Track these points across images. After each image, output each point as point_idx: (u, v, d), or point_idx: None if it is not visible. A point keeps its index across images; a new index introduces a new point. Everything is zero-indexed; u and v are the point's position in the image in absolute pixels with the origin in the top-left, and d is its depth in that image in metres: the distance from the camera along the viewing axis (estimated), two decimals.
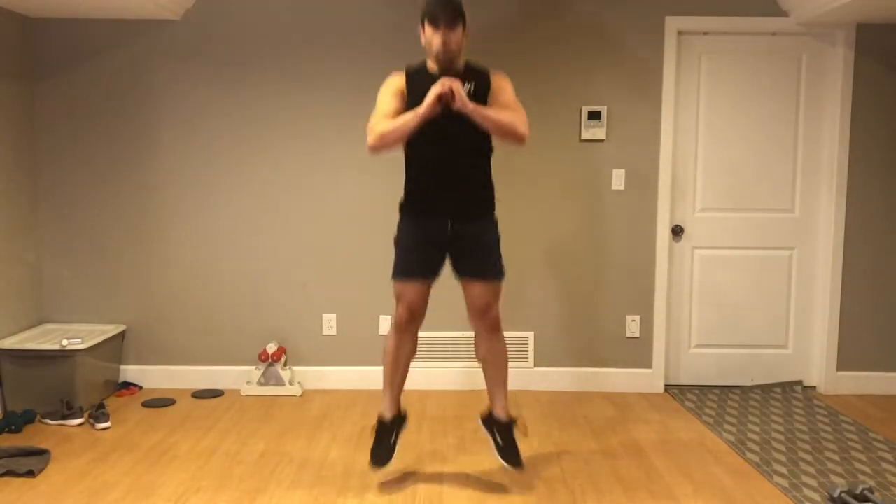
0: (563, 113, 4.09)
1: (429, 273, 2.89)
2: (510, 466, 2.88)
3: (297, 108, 4.10)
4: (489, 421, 3.00)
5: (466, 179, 2.85)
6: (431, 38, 2.71)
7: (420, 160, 2.84)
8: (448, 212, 2.82)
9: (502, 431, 2.93)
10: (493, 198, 2.94)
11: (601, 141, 4.10)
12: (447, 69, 2.73)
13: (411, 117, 2.60)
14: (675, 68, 4.07)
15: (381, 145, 2.65)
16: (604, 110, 4.07)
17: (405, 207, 2.91)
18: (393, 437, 2.95)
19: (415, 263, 2.86)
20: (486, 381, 3.00)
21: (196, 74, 4.08)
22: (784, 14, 4.02)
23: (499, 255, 2.94)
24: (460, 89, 2.56)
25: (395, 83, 2.78)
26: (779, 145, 4.15)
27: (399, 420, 3.01)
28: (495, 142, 2.89)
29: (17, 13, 3.92)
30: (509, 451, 2.89)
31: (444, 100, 2.56)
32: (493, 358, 2.97)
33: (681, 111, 4.14)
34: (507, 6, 4.04)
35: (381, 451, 2.90)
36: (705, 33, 4.10)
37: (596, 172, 4.12)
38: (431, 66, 2.80)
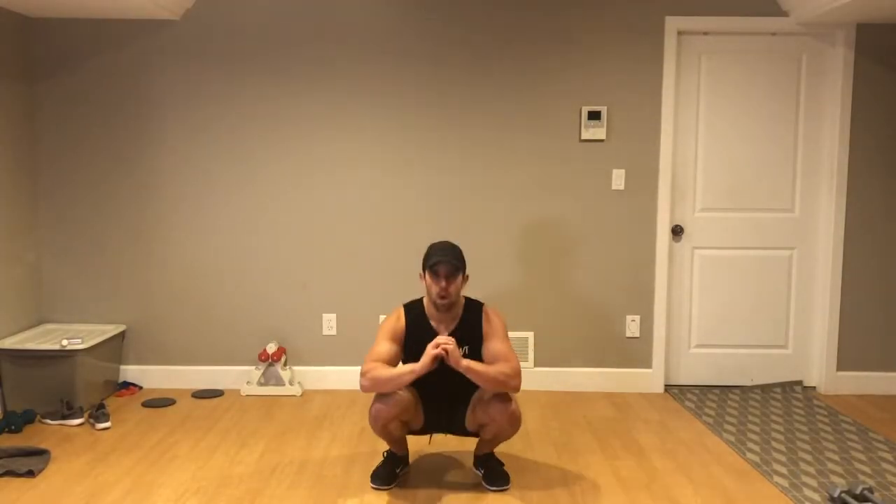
0: (563, 113, 4.09)
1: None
2: (498, 488, 2.93)
3: (296, 107, 4.10)
4: (475, 461, 3.08)
5: (456, 406, 2.96)
6: (431, 285, 2.87)
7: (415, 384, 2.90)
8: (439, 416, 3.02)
9: (486, 461, 3.01)
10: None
11: (601, 141, 4.10)
12: (445, 313, 2.92)
13: (407, 372, 2.73)
14: (675, 68, 4.07)
15: (376, 390, 2.78)
16: (604, 110, 4.07)
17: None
18: (399, 469, 3.01)
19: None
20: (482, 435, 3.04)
21: (196, 74, 4.08)
22: (784, 14, 4.02)
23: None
24: (455, 350, 2.70)
25: (395, 326, 2.92)
26: (779, 145, 4.15)
27: (405, 459, 3.07)
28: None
29: (17, 13, 3.92)
30: (496, 475, 2.96)
31: (439, 358, 2.72)
32: (500, 435, 3.00)
33: (681, 111, 4.14)
34: (508, 6, 4.03)
35: (384, 474, 2.95)
36: (705, 33, 4.10)
37: (596, 172, 4.12)
38: (430, 308, 2.94)
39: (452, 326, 2.92)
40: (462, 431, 2.99)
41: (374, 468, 3.00)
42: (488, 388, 2.80)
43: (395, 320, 2.94)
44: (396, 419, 2.82)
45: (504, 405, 2.80)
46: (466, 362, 2.71)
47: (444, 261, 2.83)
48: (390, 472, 2.96)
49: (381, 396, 2.79)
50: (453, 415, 2.96)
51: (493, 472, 2.96)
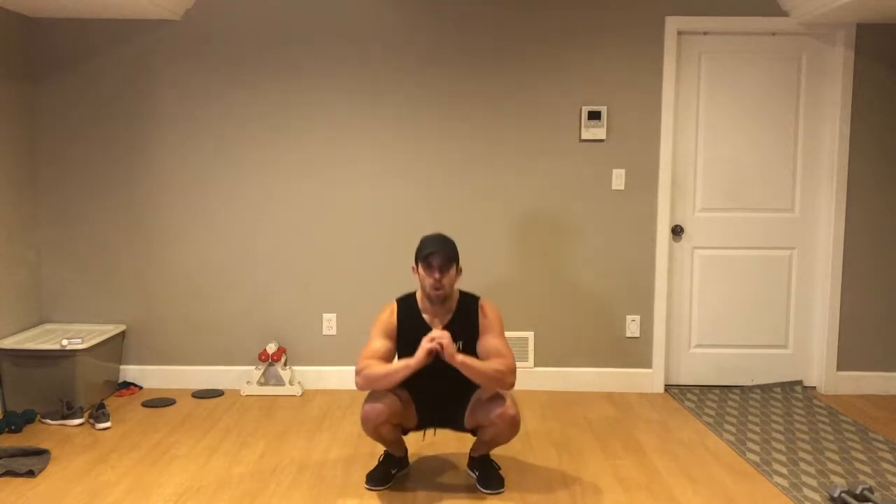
0: (563, 113, 4.09)
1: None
2: (493, 491, 2.91)
3: (296, 108, 4.10)
4: (470, 462, 3.07)
5: (451, 406, 2.94)
6: (424, 277, 2.84)
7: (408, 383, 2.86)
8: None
9: (481, 463, 3.00)
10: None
11: (601, 141, 4.10)
12: (439, 306, 2.89)
13: (402, 368, 2.70)
14: (675, 68, 4.07)
15: (370, 388, 2.76)
16: (604, 110, 4.07)
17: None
18: (396, 470, 3.00)
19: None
20: (479, 437, 3.03)
21: (196, 74, 4.08)
22: (784, 14, 4.02)
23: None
24: (450, 344, 2.67)
25: (387, 323, 2.89)
26: (779, 145, 4.15)
27: (404, 460, 3.06)
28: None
29: (17, 13, 3.92)
30: (490, 477, 2.95)
31: (434, 353, 2.69)
32: (498, 438, 2.98)
33: (681, 111, 4.14)
34: (508, 6, 4.03)
35: (379, 475, 2.94)
36: (705, 33, 4.10)
37: (596, 172, 4.12)
38: (423, 302, 2.91)
39: (447, 320, 2.89)
40: (459, 427, 2.97)
41: (370, 469, 3.00)
42: (483, 384, 2.79)
43: (388, 316, 2.90)
44: (387, 422, 2.79)
45: (504, 409, 2.78)
46: (461, 357, 2.68)
47: (438, 252, 2.80)
48: (385, 474, 2.95)
49: (371, 398, 2.78)
50: (449, 411, 2.94)
51: (488, 475, 2.94)
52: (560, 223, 4.15)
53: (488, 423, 2.82)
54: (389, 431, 2.85)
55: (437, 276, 2.80)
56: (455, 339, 2.75)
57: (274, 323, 4.21)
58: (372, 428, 2.79)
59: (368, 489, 2.91)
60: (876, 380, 4.20)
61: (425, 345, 2.67)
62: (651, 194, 4.13)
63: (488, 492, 2.89)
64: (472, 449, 3.04)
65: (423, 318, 2.89)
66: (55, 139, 4.12)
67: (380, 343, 2.84)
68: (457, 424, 2.96)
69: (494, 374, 2.73)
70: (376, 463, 3.02)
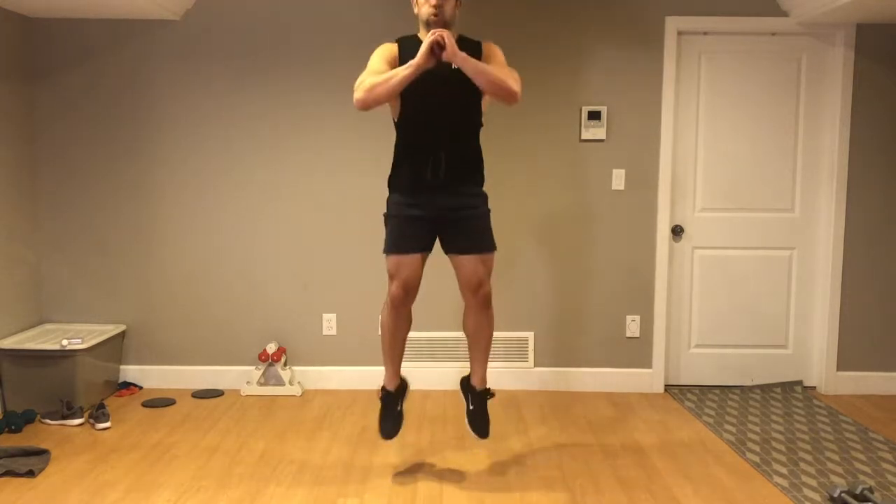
0: (563, 113, 4.09)
1: (424, 247, 2.88)
2: (474, 433, 2.98)
3: (296, 107, 4.10)
4: (466, 386, 3.10)
5: (457, 150, 2.82)
6: (423, 3, 2.72)
7: (409, 128, 2.81)
8: (438, 184, 2.79)
9: (475, 398, 3.03)
10: (482, 171, 2.92)
11: (601, 141, 4.10)
12: None
13: (403, 68, 2.58)
14: (675, 68, 4.07)
15: (370, 98, 2.60)
16: (604, 110, 4.07)
17: (394, 181, 2.89)
18: (399, 405, 3.03)
19: (410, 238, 2.82)
20: (470, 351, 3.06)
21: (196, 75, 4.08)
22: (784, 14, 4.02)
23: (490, 229, 2.92)
24: (452, 40, 2.56)
25: (387, 50, 2.75)
26: (779, 145, 4.15)
27: (402, 388, 3.09)
28: (485, 118, 2.94)
29: (17, 13, 3.92)
30: (478, 418, 3.00)
31: (436, 49, 2.55)
32: (480, 332, 2.99)
33: (681, 111, 4.14)
34: (508, 6, 4.03)
35: (390, 420, 2.98)
36: (705, 33, 4.10)
37: (596, 172, 4.12)
38: (423, 34, 2.76)
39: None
40: (454, 248, 2.88)
41: (377, 420, 3.01)
42: (487, 88, 2.67)
43: (387, 47, 2.76)
44: (408, 305, 2.85)
45: (488, 312, 2.90)
46: (463, 55, 2.56)
47: None
48: (395, 416, 2.97)
49: (393, 307, 2.82)
50: (454, 175, 2.79)
51: (479, 414, 2.99)
52: (560, 223, 4.15)
53: (479, 328, 2.93)
54: (404, 330, 2.94)
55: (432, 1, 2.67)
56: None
57: (274, 323, 4.21)
58: (393, 323, 2.83)
59: (386, 439, 2.96)
60: (876, 380, 4.20)
61: (428, 39, 2.54)
62: (651, 194, 4.13)
63: (474, 433, 2.97)
64: (472, 369, 3.05)
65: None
66: (55, 139, 4.12)
67: (379, 66, 2.67)
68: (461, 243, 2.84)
69: (499, 78, 2.63)
70: (380, 409, 3.02)
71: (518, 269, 4.18)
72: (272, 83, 4.08)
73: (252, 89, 4.08)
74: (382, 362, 3.08)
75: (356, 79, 4.08)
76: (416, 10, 2.81)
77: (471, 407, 3.03)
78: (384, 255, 2.90)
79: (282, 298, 4.19)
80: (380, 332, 3.05)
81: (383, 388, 3.05)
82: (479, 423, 3.00)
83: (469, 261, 2.84)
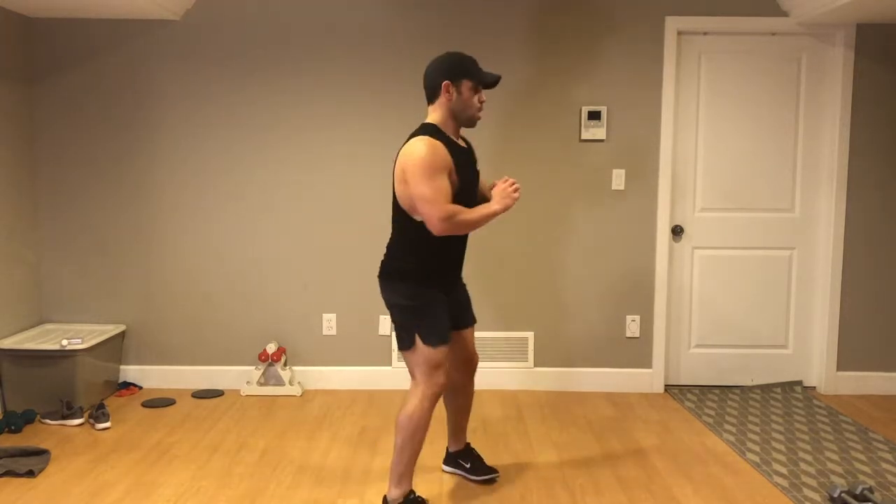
0: (563, 113, 4.09)
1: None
2: (488, 477, 2.98)
3: (296, 108, 4.10)
4: (458, 455, 3.06)
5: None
6: (471, 98, 2.62)
7: (450, 237, 2.68)
8: (457, 276, 2.87)
9: (471, 455, 3.04)
10: None
11: (601, 141, 4.10)
12: (460, 132, 2.73)
13: (489, 215, 2.57)
14: (675, 68, 4.07)
15: (454, 230, 2.55)
16: (604, 110, 4.07)
17: (425, 277, 2.68)
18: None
19: (448, 324, 2.74)
20: (458, 423, 3.03)
21: (196, 74, 4.08)
22: (784, 14, 4.02)
23: None
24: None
25: (445, 159, 2.53)
26: (779, 145, 4.16)
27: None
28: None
29: (17, 13, 3.92)
30: (482, 466, 3.01)
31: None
32: (471, 396, 3.04)
33: (681, 111, 4.14)
34: (508, 6, 4.03)
35: None
36: (705, 33, 4.10)
37: (596, 172, 4.12)
38: (446, 126, 2.64)
39: (461, 141, 2.71)
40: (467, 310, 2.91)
41: None
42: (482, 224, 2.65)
43: (441, 151, 2.52)
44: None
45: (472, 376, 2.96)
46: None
47: (496, 75, 2.65)
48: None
49: (437, 399, 2.68)
50: (461, 267, 2.85)
51: (479, 462, 3.01)
52: (560, 223, 4.15)
53: (467, 393, 2.96)
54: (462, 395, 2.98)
55: (484, 97, 2.66)
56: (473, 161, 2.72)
57: (274, 323, 4.21)
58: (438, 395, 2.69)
59: None
60: (876, 380, 4.20)
61: (512, 194, 2.59)
62: (651, 194, 4.13)
63: (484, 478, 2.95)
64: (453, 438, 3.04)
65: (453, 141, 2.62)
66: (55, 139, 4.12)
67: (445, 182, 2.51)
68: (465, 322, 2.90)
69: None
70: None
71: (518, 269, 4.18)
72: (272, 83, 4.08)
73: (252, 89, 4.08)
74: (400, 471, 2.67)
75: (356, 78, 4.11)
76: (449, 103, 2.63)
77: (469, 465, 3.02)
78: (428, 348, 2.61)
79: (282, 298, 4.19)
80: (408, 437, 2.64)
81: (410, 493, 2.71)
82: (486, 467, 3.00)
83: (470, 332, 2.95)
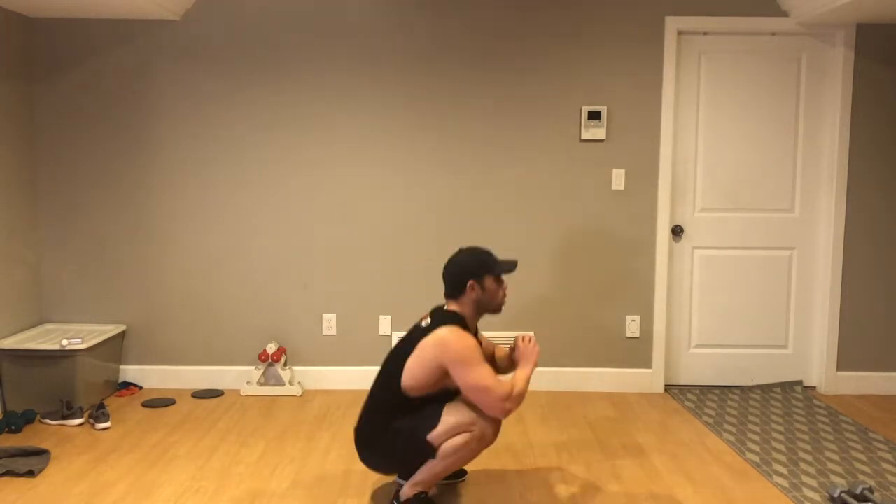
0: (563, 113, 4.09)
1: None
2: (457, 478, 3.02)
3: (296, 108, 4.10)
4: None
5: None
6: (495, 291, 2.73)
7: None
8: None
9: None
10: None
11: (601, 141, 4.10)
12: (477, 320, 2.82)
13: (527, 372, 2.67)
14: (675, 68, 4.07)
15: (516, 407, 2.61)
16: (604, 110, 4.07)
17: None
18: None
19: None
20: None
21: (196, 74, 4.08)
22: (784, 14, 4.02)
23: None
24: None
25: (476, 346, 2.63)
26: (779, 145, 4.16)
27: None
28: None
29: (17, 13, 3.92)
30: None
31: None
32: None
33: (681, 111, 4.14)
34: (508, 5, 4.03)
35: None
36: (705, 33, 4.10)
37: (596, 172, 4.12)
38: (470, 318, 2.72)
39: (475, 330, 2.84)
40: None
41: None
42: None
43: (473, 340, 2.63)
44: None
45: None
46: None
47: (513, 263, 2.76)
48: None
49: (489, 421, 2.64)
50: None
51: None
52: (560, 223, 4.15)
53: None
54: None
55: (505, 287, 2.79)
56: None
57: (274, 323, 4.21)
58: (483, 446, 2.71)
59: None
60: (876, 380, 4.20)
61: (535, 349, 2.75)
62: (651, 194, 4.13)
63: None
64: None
65: (476, 337, 2.76)
66: (55, 139, 4.12)
67: (487, 367, 2.61)
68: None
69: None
70: None
71: (518, 269, 4.18)
72: (272, 83, 4.08)
73: (252, 89, 4.08)
74: (422, 479, 2.66)
75: (356, 78, 4.11)
76: (476, 300, 2.71)
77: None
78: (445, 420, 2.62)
79: (282, 298, 4.19)
80: (448, 457, 2.62)
81: (422, 493, 2.72)
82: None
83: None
